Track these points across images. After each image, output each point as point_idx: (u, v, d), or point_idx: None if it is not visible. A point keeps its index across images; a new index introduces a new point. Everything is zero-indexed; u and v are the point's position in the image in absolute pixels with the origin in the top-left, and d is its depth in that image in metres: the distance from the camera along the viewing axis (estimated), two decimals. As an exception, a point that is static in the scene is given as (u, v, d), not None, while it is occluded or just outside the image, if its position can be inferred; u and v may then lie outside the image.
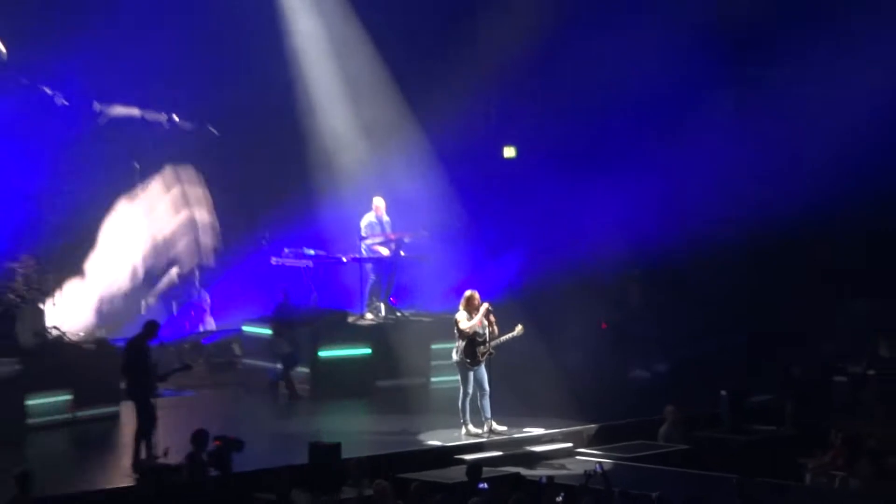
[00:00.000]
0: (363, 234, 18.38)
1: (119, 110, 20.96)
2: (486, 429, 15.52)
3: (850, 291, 20.03)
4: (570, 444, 15.48)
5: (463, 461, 14.24)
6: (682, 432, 15.89)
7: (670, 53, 19.68)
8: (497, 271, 20.44)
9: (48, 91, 18.97)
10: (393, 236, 18.53)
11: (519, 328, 15.82)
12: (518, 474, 13.97)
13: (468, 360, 15.39)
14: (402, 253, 18.94)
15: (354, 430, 15.95)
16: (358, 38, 20.86)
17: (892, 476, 13.43)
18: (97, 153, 19.74)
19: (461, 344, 15.54)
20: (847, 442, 14.43)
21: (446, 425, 15.85)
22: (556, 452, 15.37)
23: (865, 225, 19.89)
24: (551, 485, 12.54)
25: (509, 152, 22.26)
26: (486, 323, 15.75)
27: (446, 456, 14.62)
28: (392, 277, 19.16)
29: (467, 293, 15.78)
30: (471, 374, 15.52)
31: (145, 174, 20.13)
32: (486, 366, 15.67)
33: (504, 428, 15.62)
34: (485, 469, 13.16)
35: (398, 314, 18.44)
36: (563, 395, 16.85)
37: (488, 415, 15.46)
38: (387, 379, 18.00)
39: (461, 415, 15.54)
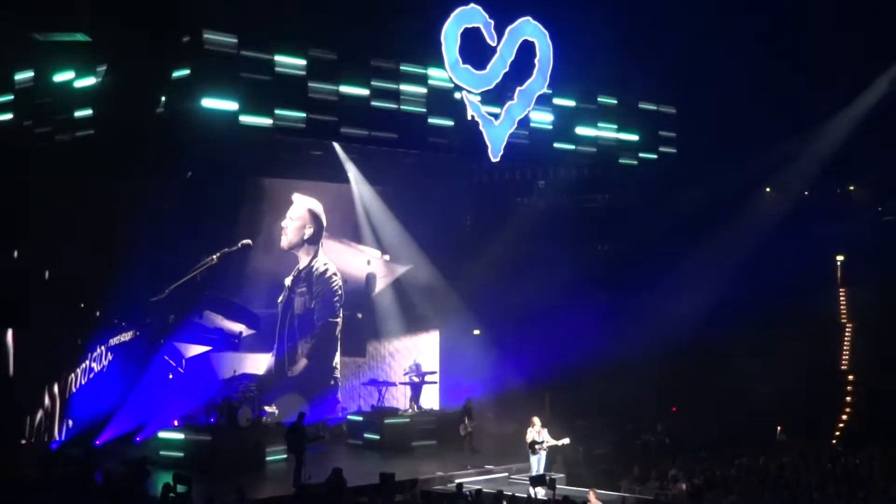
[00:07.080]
0: (406, 371, 30.79)
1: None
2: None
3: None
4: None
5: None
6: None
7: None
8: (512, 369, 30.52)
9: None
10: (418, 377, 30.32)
11: (566, 440, 23.25)
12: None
13: (530, 451, 23.28)
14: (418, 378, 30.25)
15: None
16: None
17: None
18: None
19: (528, 443, 23.28)
20: (642, 470, 24.29)
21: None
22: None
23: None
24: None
25: (476, 331, 32.57)
26: (538, 432, 22.95)
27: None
28: (419, 393, 30.24)
29: (533, 418, 23.65)
30: (533, 458, 23.23)
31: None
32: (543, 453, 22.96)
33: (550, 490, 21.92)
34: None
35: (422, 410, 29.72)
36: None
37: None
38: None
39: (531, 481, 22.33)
